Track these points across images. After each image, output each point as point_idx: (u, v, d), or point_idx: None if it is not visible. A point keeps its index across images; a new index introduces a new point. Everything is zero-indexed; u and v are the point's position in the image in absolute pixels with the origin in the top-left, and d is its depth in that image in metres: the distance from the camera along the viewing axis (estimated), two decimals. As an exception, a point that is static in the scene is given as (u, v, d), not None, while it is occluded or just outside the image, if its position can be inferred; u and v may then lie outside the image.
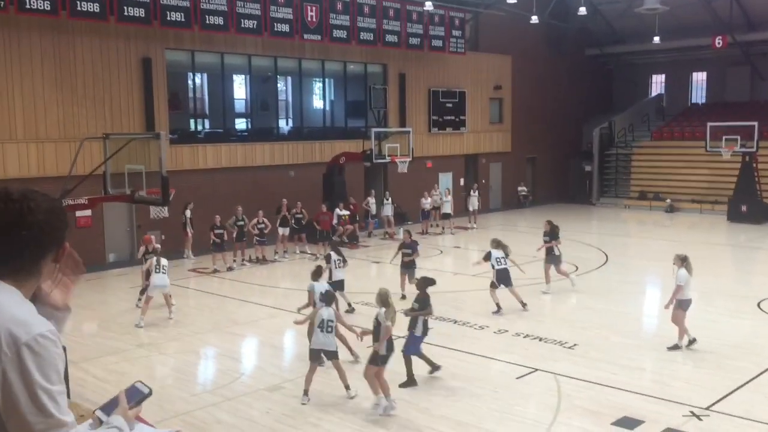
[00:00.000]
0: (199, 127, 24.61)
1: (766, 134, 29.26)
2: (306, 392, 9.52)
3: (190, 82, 23.79)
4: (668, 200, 31.37)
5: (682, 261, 11.66)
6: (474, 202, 26.42)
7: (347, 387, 9.56)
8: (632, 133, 35.34)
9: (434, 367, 10.39)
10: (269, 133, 25.30)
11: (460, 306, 14.83)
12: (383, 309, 9.12)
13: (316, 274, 11.33)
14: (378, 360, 9.08)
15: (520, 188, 33.67)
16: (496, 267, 14.00)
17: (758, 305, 14.65)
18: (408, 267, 15.49)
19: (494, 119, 32.71)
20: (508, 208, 32.69)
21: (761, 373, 10.49)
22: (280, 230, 20.85)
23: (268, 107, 26.39)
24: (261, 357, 12.43)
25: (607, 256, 20.22)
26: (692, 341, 11.63)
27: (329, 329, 9.47)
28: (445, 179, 30.09)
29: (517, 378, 10.39)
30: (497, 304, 13.84)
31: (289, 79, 27.20)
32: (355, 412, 9.25)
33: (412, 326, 10.25)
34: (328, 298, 9.91)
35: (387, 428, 8.71)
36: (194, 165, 22.13)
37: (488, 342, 12.26)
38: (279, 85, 26.88)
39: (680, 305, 11.58)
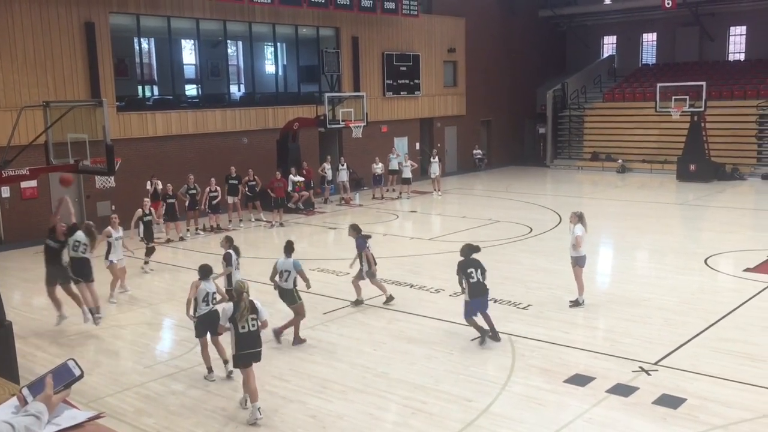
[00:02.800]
0: (148, 94, 23.99)
1: (714, 94, 29.85)
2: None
3: (136, 47, 23.13)
4: (620, 161, 31.88)
5: (579, 218, 11.88)
6: (435, 169, 26.37)
7: (225, 361, 9.30)
8: (585, 95, 35.69)
9: (485, 335, 10.22)
10: (220, 99, 24.83)
11: (416, 270, 14.91)
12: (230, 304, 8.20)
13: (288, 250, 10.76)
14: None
15: (475, 151, 33.83)
16: None
17: (705, 262, 15.06)
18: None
19: (448, 82, 32.65)
20: (464, 172, 32.88)
21: (707, 328, 10.81)
22: (229, 198, 20.58)
23: (218, 73, 25.85)
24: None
25: (560, 218, 20.49)
26: (578, 302, 11.89)
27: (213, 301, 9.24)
28: (401, 143, 30.03)
29: (473, 339, 10.52)
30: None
31: (240, 43, 26.65)
32: (310, 377, 9.27)
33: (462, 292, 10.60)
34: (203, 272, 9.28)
35: (344, 393, 8.74)
36: (143, 133, 21.63)
37: (444, 305, 12.37)
38: (229, 50, 26.32)
39: (577, 262, 11.85)
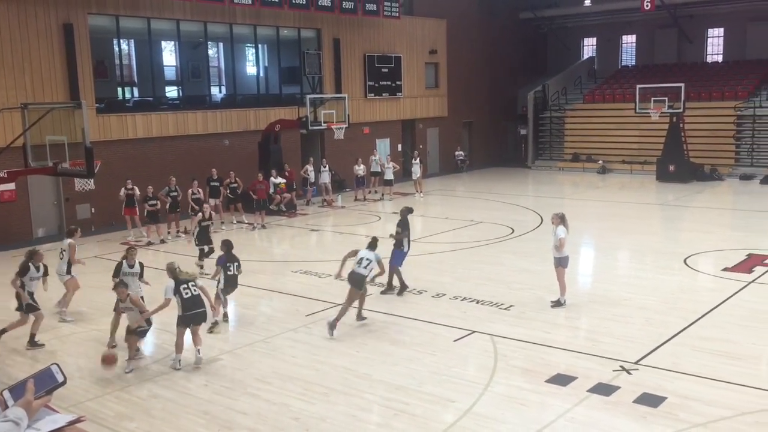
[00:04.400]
0: (128, 96, 23.82)
1: (692, 95, 30.20)
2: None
3: (116, 48, 22.97)
4: (600, 161, 32.16)
5: (561, 219, 12.03)
6: (417, 170, 26.43)
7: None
8: (565, 96, 35.95)
9: (404, 288, 12.80)
10: (201, 101, 24.70)
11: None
12: (172, 282, 9.73)
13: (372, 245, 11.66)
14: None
15: (457, 153, 33.95)
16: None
17: (685, 261, 15.22)
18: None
19: (430, 84, 32.74)
20: (446, 173, 32.98)
21: (687, 327, 10.92)
22: (211, 201, 20.46)
23: (199, 74, 25.73)
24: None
25: (542, 219, 20.61)
26: (560, 303, 11.95)
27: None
28: (383, 145, 30.07)
29: (455, 341, 10.55)
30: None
31: (221, 45, 26.55)
32: (292, 380, 9.25)
33: (399, 245, 13.10)
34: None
35: (326, 395, 8.73)
36: (123, 135, 21.47)
37: (426, 306, 12.39)
38: (210, 51, 26.21)
39: (560, 263, 11.96)
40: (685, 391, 8.52)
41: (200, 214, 15.85)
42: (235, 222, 21.31)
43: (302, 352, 10.33)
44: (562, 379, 8.97)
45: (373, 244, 11.68)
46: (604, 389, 8.62)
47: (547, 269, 14.47)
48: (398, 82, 30.58)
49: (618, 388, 8.66)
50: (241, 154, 23.98)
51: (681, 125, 28.54)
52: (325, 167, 25.02)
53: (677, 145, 28.42)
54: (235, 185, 21.17)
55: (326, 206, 24.49)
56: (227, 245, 11.78)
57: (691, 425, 7.66)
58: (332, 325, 10.76)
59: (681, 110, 28.16)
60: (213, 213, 18.20)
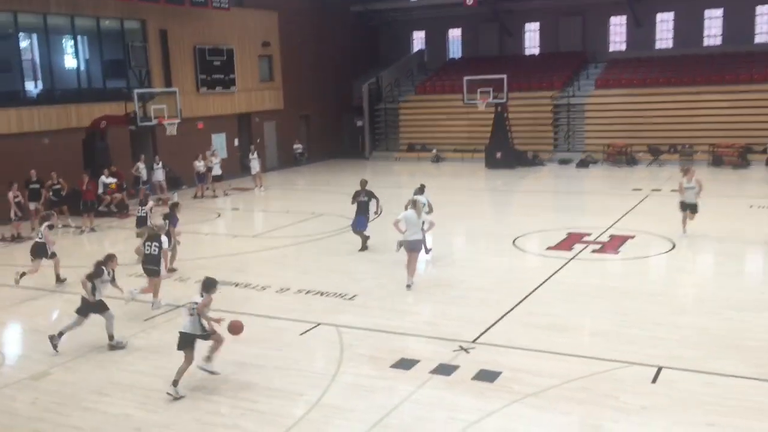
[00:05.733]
0: (-73, 93, 21.51)
1: (514, 86, 32.02)
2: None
3: None
4: (434, 150, 33.35)
5: (413, 204, 12.92)
6: (255, 165, 26.04)
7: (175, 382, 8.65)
8: (398, 88, 36.91)
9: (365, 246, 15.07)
10: (14, 97, 22.81)
11: (242, 268, 14.68)
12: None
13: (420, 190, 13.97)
14: None
15: (295, 146, 33.90)
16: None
17: (514, 243, 16.21)
18: None
19: (265, 77, 32.39)
20: (285, 167, 32.81)
21: (518, 304, 11.66)
22: (31, 204, 19.04)
23: (10, 68, 23.70)
24: (24, 344, 11.38)
25: (381, 209, 20.98)
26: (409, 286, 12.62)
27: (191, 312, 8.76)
28: (219, 140, 29.40)
29: (301, 334, 10.58)
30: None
31: (35, 36, 24.60)
32: (132, 389, 8.84)
33: (365, 212, 15.37)
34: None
35: (170, 402, 8.43)
36: (-77, 136, 19.36)
37: (271, 301, 12.32)
38: (23, 43, 24.23)
39: (409, 246, 12.57)
40: (518, 365, 9.11)
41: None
42: (60, 226, 19.86)
43: (141, 359, 9.91)
44: (406, 364, 9.27)
45: (422, 189, 15.24)
46: (445, 369, 9.01)
47: (387, 258, 14.88)
48: (231, 76, 29.98)
49: (458, 367, 9.08)
50: (64, 154, 22.44)
51: (505, 115, 30.27)
52: (158, 164, 24.06)
53: (503, 133, 30.12)
54: (59, 187, 19.84)
55: (161, 205, 23.47)
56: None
57: (524, 395, 8.21)
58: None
59: (504, 100, 29.85)
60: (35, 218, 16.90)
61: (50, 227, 13.93)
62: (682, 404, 7.90)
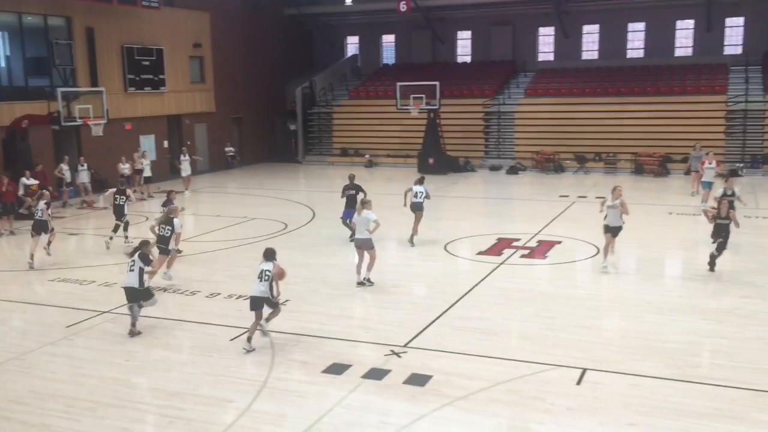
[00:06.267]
0: None
1: (446, 93, 32.42)
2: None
3: None
4: (367, 156, 33.42)
5: (363, 204, 13.52)
6: (186, 168, 25.52)
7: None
8: (332, 92, 36.88)
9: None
10: (-72, 93, 21.72)
11: (170, 273, 14.34)
12: None
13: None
14: None
15: (227, 149, 33.38)
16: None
17: (445, 248, 16.41)
18: None
19: (196, 78, 31.85)
20: (216, 170, 32.31)
21: (449, 308, 11.81)
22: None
23: None
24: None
25: (314, 212, 21.00)
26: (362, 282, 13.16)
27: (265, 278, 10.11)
28: (148, 142, 28.73)
29: (231, 340, 10.44)
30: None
31: (-49, 30, 23.53)
32: (54, 398, 8.54)
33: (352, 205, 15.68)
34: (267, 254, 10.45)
35: (94, 410, 8.19)
36: None
37: (201, 307, 12.11)
38: (-62, 37, 23.12)
39: (356, 243, 13.30)
40: (448, 369, 9.22)
41: None
42: (-23, 229, 19.06)
43: (63, 366, 9.58)
44: (337, 368, 9.26)
45: (421, 180, 16.84)
46: (376, 374, 9.04)
47: (319, 262, 14.84)
48: (161, 76, 29.35)
49: (389, 371, 9.13)
50: (-18, 154, 21.50)
51: (438, 121, 30.61)
52: (83, 166, 23.34)
53: (435, 139, 30.45)
54: (-24, 188, 18.96)
55: (86, 207, 22.84)
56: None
57: (454, 399, 8.32)
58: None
59: (437, 107, 30.18)
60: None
61: (47, 204, 15.38)
62: (606, 405, 8.15)
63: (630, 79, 32.42)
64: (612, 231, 14.20)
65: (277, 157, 36.14)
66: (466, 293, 12.68)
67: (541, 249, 16.02)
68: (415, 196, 16.60)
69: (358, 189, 16.77)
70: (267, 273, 10.10)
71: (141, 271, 10.46)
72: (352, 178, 17.34)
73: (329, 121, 36.07)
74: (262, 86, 35.78)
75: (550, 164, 30.43)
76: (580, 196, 23.50)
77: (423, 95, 30.32)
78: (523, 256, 15.44)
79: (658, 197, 23.86)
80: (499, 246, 16.36)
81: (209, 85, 32.44)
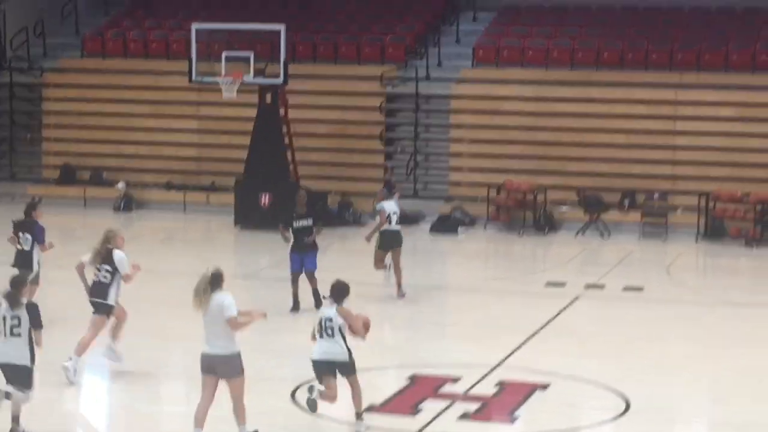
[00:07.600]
0: None
1: (303, 52, 20.88)
2: None
3: None
4: (121, 183, 21.33)
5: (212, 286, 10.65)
6: None
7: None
8: (43, 41, 21.70)
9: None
10: None
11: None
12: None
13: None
14: None
15: None
16: None
17: (308, 403, 9.29)
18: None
19: None
20: None
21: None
22: None
23: None
24: None
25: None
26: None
27: (329, 331, 7.77)
28: None
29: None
30: None
31: None
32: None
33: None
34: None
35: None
36: None
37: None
38: None
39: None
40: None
41: None
42: None
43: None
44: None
45: (391, 192, 14.56)
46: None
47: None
48: None
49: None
50: None
51: (282, 111, 19.39)
52: None
53: (275, 151, 19.53)
54: None
55: None
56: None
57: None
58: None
59: (281, 81, 18.72)
60: None
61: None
62: None
63: (690, 31, 19.15)
64: None
65: None
66: None
67: (505, 400, 9.28)
68: (389, 221, 13.02)
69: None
70: (329, 321, 7.82)
71: (30, 335, 7.38)
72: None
73: (35, 105, 20.63)
74: None
75: (525, 212, 18.24)
76: (589, 285, 14.85)
77: (251, 54, 18.44)
78: (465, 415, 8.84)
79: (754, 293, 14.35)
80: (415, 393, 9.36)
81: None
